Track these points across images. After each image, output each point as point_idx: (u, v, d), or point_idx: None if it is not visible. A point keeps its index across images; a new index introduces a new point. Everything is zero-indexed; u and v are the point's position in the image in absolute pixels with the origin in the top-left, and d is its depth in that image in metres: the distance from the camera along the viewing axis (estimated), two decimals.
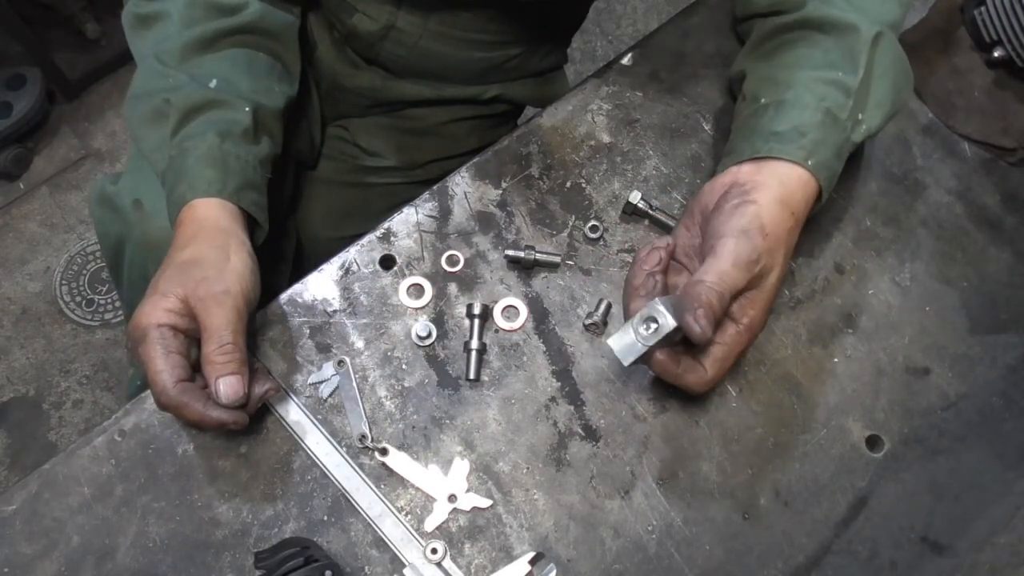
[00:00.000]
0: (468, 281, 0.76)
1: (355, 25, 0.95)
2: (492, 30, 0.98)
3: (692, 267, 0.69)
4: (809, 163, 0.66)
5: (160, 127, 0.72)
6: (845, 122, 0.68)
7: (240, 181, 0.71)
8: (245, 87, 0.76)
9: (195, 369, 0.65)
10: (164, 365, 0.62)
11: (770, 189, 0.65)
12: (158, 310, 0.63)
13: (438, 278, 0.76)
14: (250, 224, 0.72)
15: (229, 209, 0.70)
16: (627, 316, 0.65)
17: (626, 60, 0.87)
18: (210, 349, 0.63)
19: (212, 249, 0.66)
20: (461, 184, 0.80)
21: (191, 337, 0.65)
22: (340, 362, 0.72)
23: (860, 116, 0.69)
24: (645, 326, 0.60)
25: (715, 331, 0.64)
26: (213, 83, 0.74)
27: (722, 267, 0.62)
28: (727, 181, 0.67)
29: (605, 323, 0.74)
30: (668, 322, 0.58)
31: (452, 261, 0.77)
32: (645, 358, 0.62)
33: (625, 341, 0.60)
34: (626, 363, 0.61)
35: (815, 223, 0.79)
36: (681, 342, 0.64)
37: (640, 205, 0.77)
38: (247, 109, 0.74)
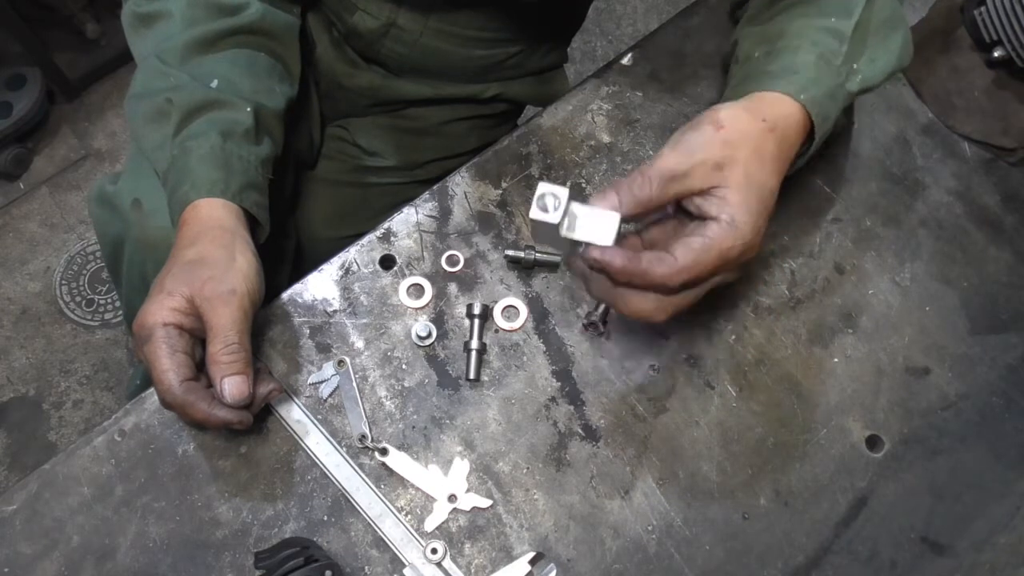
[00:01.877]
0: (468, 281, 0.76)
1: (356, 23, 0.95)
2: (492, 28, 0.98)
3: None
4: (801, 97, 0.63)
5: (162, 126, 0.72)
6: (840, 68, 0.66)
7: (242, 182, 0.71)
8: (246, 87, 0.76)
9: (198, 368, 0.66)
10: (170, 364, 0.62)
11: (736, 102, 0.63)
12: (164, 309, 0.63)
13: (438, 278, 0.76)
14: (251, 224, 0.73)
15: (232, 209, 0.70)
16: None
17: (626, 60, 0.87)
18: (216, 349, 0.62)
19: (218, 249, 0.66)
20: (461, 184, 0.80)
21: (196, 336, 0.65)
22: (340, 362, 0.72)
23: (855, 65, 0.68)
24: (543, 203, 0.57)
25: (655, 219, 0.62)
26: (214, 83, 0.74)
27: (661, 152, 0.59)
28: None
29: (605, 323, 0.74)
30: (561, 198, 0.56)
31: (452, 261, 0.77)
32: (565, 245, 0.59)
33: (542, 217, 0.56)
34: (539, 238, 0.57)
35: (815, 223, 0.79)
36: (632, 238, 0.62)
37: None
38: (248, 109, 0.74)
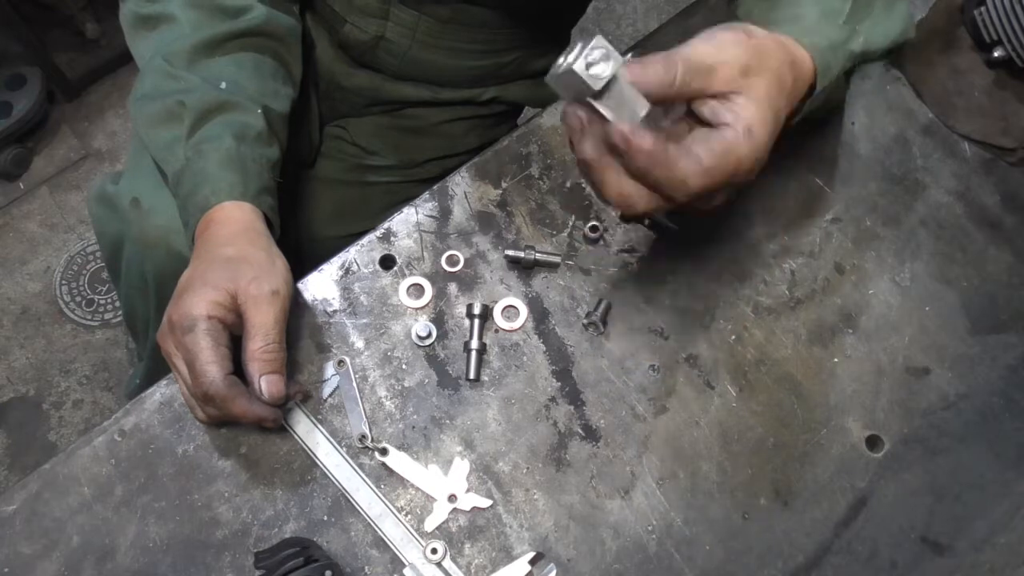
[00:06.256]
0: (468, 281, 0.76)
1: (347, 35, 0.96)
2: (481, 40, 0.98)
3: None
4: (804, 41, 0.61)
5: (172, 128, 0.72)
6: (842, 26, 0.65)
7: (258, 185, 0.72)
8: (253, 90, 0.76)
9: None
10: (214, 356, 0.62)
11: (767, 30, 0.59)
12: (208, 302, 0.63)
13: (438, 278, 0.76)
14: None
15: (257, 212, 0.71)
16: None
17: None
18: (256, 346, 0.63)
19: (258, 250, 0.67)
20: (461, 184, 0.80)
21: (232, 333, 0.66)
22: (340, 362, 0.72)
23: (857, 27, 0.66)
24: (580, 53, 0.50)
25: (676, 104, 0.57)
26: (223, 85, 0.74)
27: (690, 42, 0.55)
28: None
29: (605, 323, 0.74)
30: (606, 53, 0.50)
31: (452, 261, 0.77)
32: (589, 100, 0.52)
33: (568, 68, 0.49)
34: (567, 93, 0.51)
35: (815, 223, 0.79)
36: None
37: None
38: (259, 112, 0.74)
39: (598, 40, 0.50)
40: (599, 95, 0.52)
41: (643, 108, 0.53)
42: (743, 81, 0.55)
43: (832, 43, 0.64)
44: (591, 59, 0.50)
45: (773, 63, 0.57)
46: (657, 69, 0.53)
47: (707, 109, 0.55)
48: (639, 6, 2.18)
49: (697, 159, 0.53)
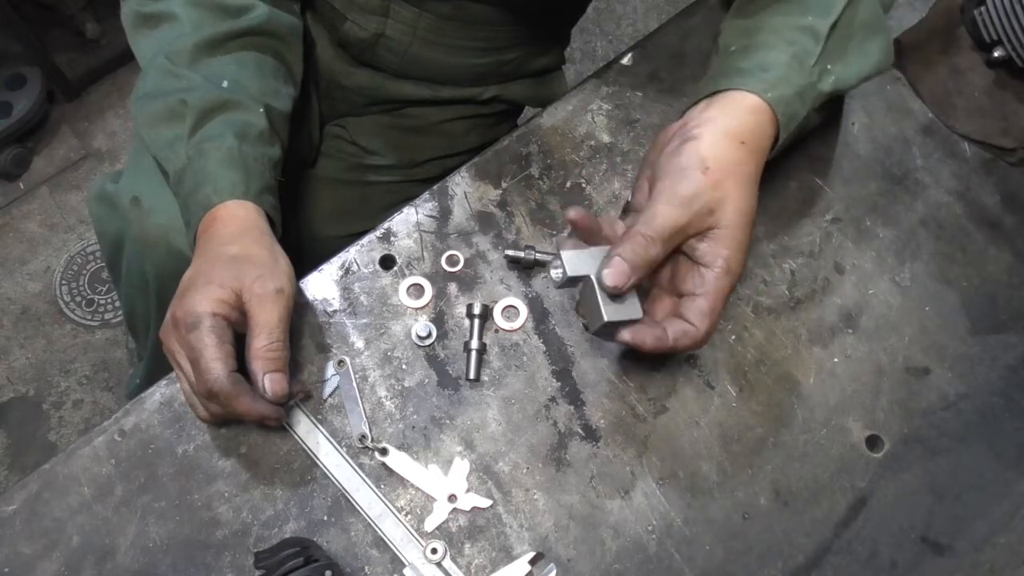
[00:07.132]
0: (468, 281, 0.76)
1: (347, 32, 0.96)
2: (482, 37, 0.98)
3: None
4: (768, 95, 0.63)
5: (174, 126, 0.72)
6: (812, 68, 0.66)
7: (260, 184, 0.72)
8: (255, 89, 0.76)
9: None
10: (219, 354, 0.62)
11: (714, 122, 0.63)
12: (213, 300, 0.63)
13: (438, 278, 0.76)
14: None
15: (260, 211, 0.71)
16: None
17: (626, 60, 0.87)
18: (260, 344, 0.63)
19: (262, 249, 0.67)
20: (461, 184, 0.80)
21: (235, 331, 0.66)
22: (340, 362, 0.72)
23: (829, 66, 0.67)
24: (556, 271, 0.62)
25: (672, 279, 0.64)
26: (224, 84, 0.74)
27: (655, 208, 0.60)
28: (677, 124, 0.65)
29: None
30: (564, 271, 0.61)
31: (452, 261, 0.77)
32: (606, 328, 0.62)
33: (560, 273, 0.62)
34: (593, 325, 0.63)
35: (815, 223, 0.79)
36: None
37: None
38: (261, 111, 0.74)
39: (560, 256, 0.62)
40: (561, 286, 0.63)
41: (636, 308, 0.62)
42: (712, 218, 0.61)
43: (800, 89, 0.66)
44: (554, 266, 0.63)
45: (733, 181, 0.61)
46: (638, 252, 0.59)
47: (688, 249, 0.62)
48: (639, 6, 2.18)
49: (694, 333, 0.61)
